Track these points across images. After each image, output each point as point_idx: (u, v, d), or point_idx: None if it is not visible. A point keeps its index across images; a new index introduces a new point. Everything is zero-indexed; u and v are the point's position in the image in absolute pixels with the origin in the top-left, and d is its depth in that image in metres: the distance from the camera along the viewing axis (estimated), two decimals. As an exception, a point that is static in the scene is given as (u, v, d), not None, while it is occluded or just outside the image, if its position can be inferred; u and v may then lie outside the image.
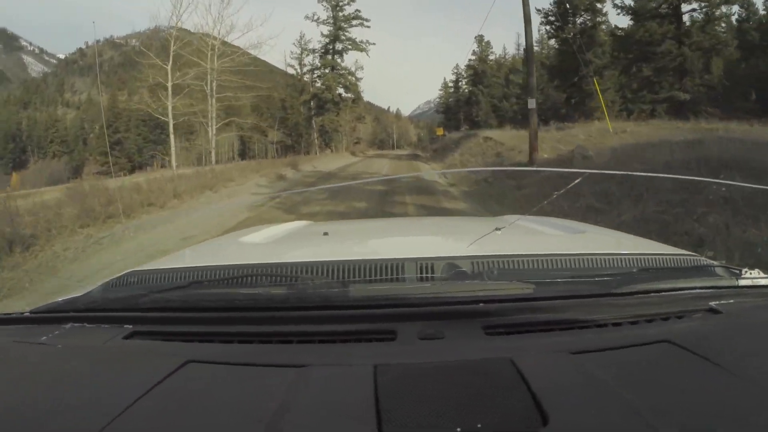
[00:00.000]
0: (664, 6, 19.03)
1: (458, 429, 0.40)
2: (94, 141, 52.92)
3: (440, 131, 26.60)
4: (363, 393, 0.45)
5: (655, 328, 0.63)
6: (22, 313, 0.77)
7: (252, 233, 1.27)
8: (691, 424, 0.40)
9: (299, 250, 1.10)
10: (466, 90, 44.68)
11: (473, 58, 44.10)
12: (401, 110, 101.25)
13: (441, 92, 65.01)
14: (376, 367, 0.50)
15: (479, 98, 38.94)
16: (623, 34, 20.96)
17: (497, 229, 0.94)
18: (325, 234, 1.13)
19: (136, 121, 47.36)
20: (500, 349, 0.56)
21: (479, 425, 0.40)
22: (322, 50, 36.03)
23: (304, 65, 36.51)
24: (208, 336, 0.65)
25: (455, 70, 55.84)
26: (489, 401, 0.43)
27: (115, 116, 48.14)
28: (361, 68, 37.84)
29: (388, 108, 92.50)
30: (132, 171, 37.73)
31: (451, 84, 57.30)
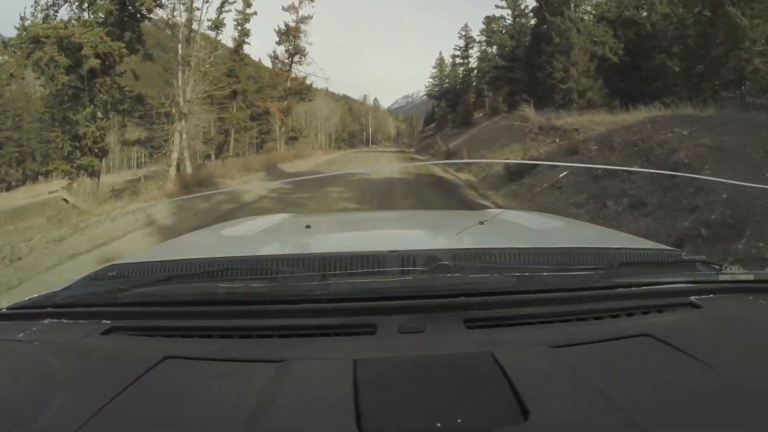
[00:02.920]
0: None
1: (438, 424, 0.39)
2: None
3: None
4: (342, 388, 0.45)
5: (635, 322, 0.64)
6: None
7: (234, 226, 1.26)
8: (670, 418, 0.41)
9: (281, 243, 1.09)
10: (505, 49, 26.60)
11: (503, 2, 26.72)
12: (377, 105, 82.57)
13: (435, 70, 47.71)
14: (355, 362, 0.49)
15: (571, 39, 16.55)
16: None
17: (480, 222, 0.94)
18: (308, 227, 1.10)
19: (34, 113, 32.03)
20: (481, 342, 0.56)
21: (459, 420, 0.40)
22: None
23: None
24: (188, 331, 0.64)
25: (463, 32, 38.49)
26: (469, 396, 0.43)
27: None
28: (309, 18, 19.15)
29: (365, 97, 74.04)
30: (24, 182, 28.62)
31: (457, 54, 39.74)
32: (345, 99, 69.79)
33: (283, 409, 0.42)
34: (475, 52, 37.89)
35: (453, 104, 37.35)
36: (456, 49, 40.01)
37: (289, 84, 22.54)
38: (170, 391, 0.47)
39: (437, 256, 0.72)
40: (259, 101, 21.84)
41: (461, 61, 40.28)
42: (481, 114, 32.96)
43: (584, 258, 0.78)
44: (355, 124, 61.47)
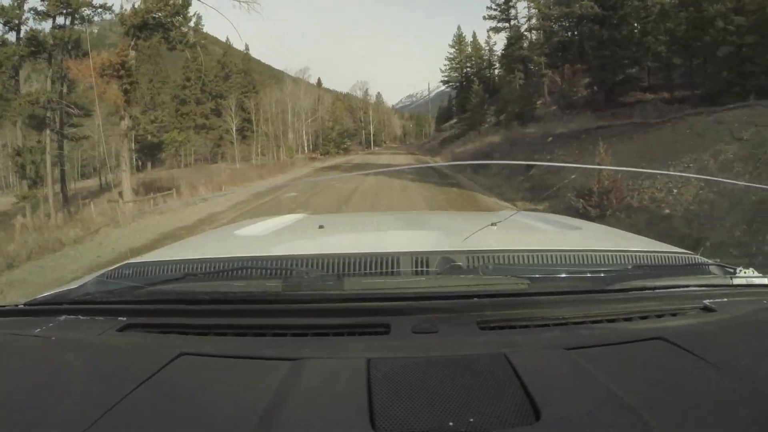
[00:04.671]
0: None
1: (450, 423, 0.40)
2: None
3: None
4: (356, 386, 0.45)
5: (649, 325, 0.64)
6: (17, 306, 0.76)
7: (248, 226, 1.26)
8: (683, 421, 0.41)
9: (294, 243, 1.08)
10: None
11: None
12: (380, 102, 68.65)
13: (454, 50, 34.45)
14: (369, 361, 0.50)
15: None
16: None
17: (493, 224, 0.93)
18: (321, 227, 1.10)
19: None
20: (494, 344, 0.56)
21: (471, 419, 0.40)
22: None
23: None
24: (203, 329, 0.64)
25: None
26: (482, 396, 0.44)
27: None
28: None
29: (366, 89, 60.89)
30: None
31: (493, 14, 26.96)
32: (349, 97, 57.04)
33: (298, 406, 0.43)
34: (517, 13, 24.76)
35: (490, 89, 24.39)
36: (492, 7, 26.80)
37: (134, 20, 9.52)
38: (185, 388, 0.48)
39: (450, 257, 0.73)
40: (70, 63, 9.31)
41: (500, 25, 27.00)
42: (540, 101, 19.28)
43: (598, 260, 0.78)
44: (353, 119, 48.77)
